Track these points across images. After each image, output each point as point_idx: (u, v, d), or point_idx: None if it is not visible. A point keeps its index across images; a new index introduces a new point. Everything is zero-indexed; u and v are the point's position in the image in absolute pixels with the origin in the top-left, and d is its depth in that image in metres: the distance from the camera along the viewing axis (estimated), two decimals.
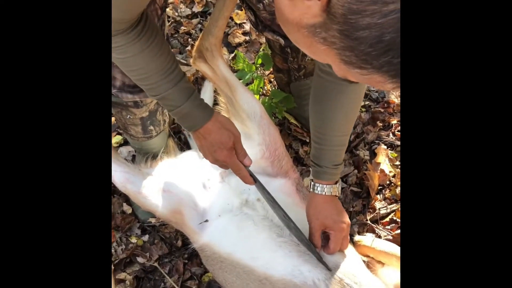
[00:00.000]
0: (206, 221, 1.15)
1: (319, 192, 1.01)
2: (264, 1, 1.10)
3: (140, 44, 0.81)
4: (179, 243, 1.34)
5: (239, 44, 1.82)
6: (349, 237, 1.06)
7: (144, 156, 1.32)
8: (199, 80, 1.65)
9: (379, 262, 1.09)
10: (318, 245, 1.01)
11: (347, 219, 1.03)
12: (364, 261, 1.08)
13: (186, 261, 1.31)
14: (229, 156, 0.97)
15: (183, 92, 0.89)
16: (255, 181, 1.02)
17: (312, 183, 1.03)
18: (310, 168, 1.07)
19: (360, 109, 1.59)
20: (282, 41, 1.19)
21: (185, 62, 1.69)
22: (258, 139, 1.20)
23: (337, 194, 1.03)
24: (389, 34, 0.46)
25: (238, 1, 1.18)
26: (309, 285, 0.94)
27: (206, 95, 1.48)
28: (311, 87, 1.01)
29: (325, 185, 1.01)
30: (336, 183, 1.02)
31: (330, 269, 0.97)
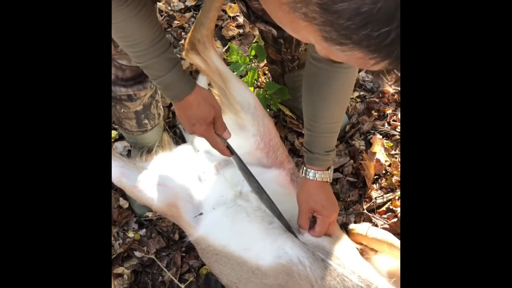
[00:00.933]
0: (201, 214, 1.16)
1: (311, 178, 1.02)
2: None
3: (127, 10, 0.82)
4: (176, 236, 1.34)
5: (233, 37, 1.82)
6: (336, 223, 1.07)
7: (139, 150, 1.32)
8: (193, 74, 1.64)
9: (372, 249, 1.09)
10: (305, 227, 1.04)
11: (336, 206, 1.05)
12: (358, 249, 1.08)
13: (184, 254, 1.32)
14: (207, 130, 1.00)
15: (167, 63, 0.91)
16: (232, 153, 1.05)
17: (304, 168, 1.05)
18: (303, 154, 1.08)
19: (355, 100, 1.59)
20: (274, 31, 1.19)
21: (178, 56, 1.68)
22: (252, 130, 1.19)
23: (328, 180, 1.04)
24: (366, 5, 0.45)
25: None
26: (295, 262, 0.96)
27: None
28: (304, 75, 1.01)
29: (316, 171, 1.02)
30: (328, 169, 1.03)
31: (298, 238, 1.02)
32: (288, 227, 1.03)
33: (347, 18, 0.47)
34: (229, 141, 1.10)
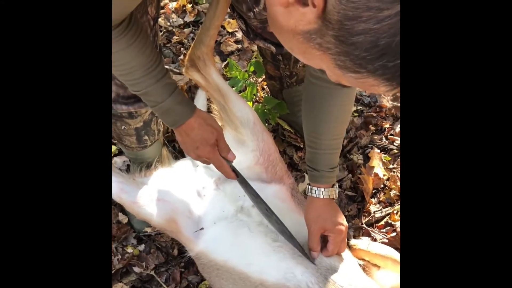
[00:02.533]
0: (202, 229, 1.16)
1: (317, 196, 1.02)
2: (254, 10, 1.11)
3: (124, 40, 0.82)
4: (175, 251, 1.34)
5: (232, 53, 1.84)
6: (346, 240, 1.07)
7: (139, 166, 1.33)
8: (192, 89, 1.65)
9: (375, 265, 1.09)
10: (317, 248, 1.02)
11: (345, 221, 1.04)
12: (360, 265, 1.08)
13: (183, 269, 1.31)
14: (212, 152, 0.99)
15: (165, 88, 0.90)
16: (238, 175, 1.05)
17: (309, 187, 1.04)
18: (307, 173, 1.08)
19: (353, 114, 1.60)
20: (273, 48, 1.21)
21: (178, 71, 1.70)
22: (252, 145, 1.20)
23: (334, 197, 1.04)
24: (384, 39, 0.47)
25: (229, 10, 1.19)
26: None
27: (199, 103, 1.49)
28: (303, 93, 1.02)
29: (322, 189, 1.02)
30: (333, 186, 1.03)
31: (314, 263, 1.00)
32: (301, 250, 1.01)
33: (364, 50, 0.48)
34: None
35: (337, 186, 1.05)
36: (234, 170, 1.04)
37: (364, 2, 0.46)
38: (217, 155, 1.00)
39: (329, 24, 0.49)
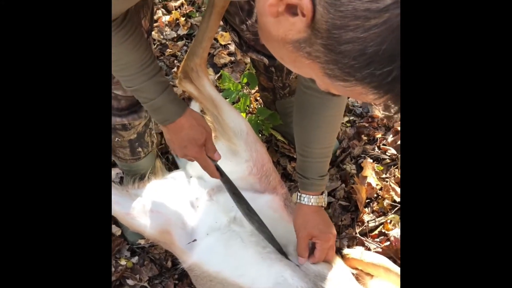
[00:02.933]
0: (195, 240, 1.15)
1: (306, 203, 1.04)
2: (247, 22, 1.13)
3: (118, 36, 0.83)
4: (169, 263, 1.33)
5: (225, 65, 1.85)
6: (335, 248, 1.08)
7: (132, 177, 1.32)
8: (185, 101, 1.66)
9: (368, 274, 1.09)
10: (304, 254, 1.04)
11: (333, 229, 1.06)
12: (353, 274, 1.08)
13: (177, 281, 1.30)
14: (199, 152, 0.99)
15: (158, 86, 0.91)
16: (222, 175, 1.05)
17: (299, 194, 1.06)
18: (298, 180, 1.09)
19: (345, 124, 1.62)
20: (266, 60, 1.22)
21: (171, 83, 1.71)
22: (245, 155, 1.21)
23: (323, 205, 1.05)
24: (371, 47, 0.47)
25: (222, 23, 1.21)
26: None
27: None
28: (295, 102, 1.04)
29: (311, 196, 1.03)
30: (322, 193, 1.05)
31: (291, 260, 1.01)
32: (281, 250, 1.03)
33: (352, 58, 0.49)
34: (222, 166, 1.11)
35: (326, 193, 1.06)
36: (219, 169, 1.04)
37: (351, 11, 0.47)
38: (204, 155, 1.00)
39: (317, 33, 0.50)
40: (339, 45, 0.49)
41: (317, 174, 1.03)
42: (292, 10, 0.52)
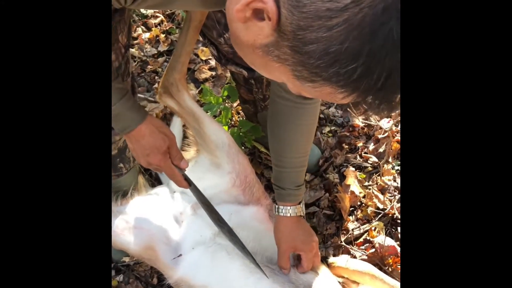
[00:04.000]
0: (180, 255, 1.14)
1: (284, 214, 1.03)
2: (225, 36, 1.14)
3: None
4: (155, 280, 1.31)
5: (206, 80, 1.87)
6: (319, 254, 1.07)
7: (115, 194, 1.31)
8: (167, 116, 1.66)
9: (354, 282, 1.10)
10: (286, 266, 1.03)
11: (315, 237, 1.06)
12: (339, 282, 1.08)
13: None
14: (164, 160, 0.96)
15: (116, 92, 0.88)
16: (190, 184, 1.02)
17: (276, 206, 1.05)
18: (274, 192, 1.09)
19: (327, 134, 1.64)
20: (245, 72, 1.23)
21: (152, 99, 1.71)
22: (228, 168, 1.21)
23: (302, 214, 1.05)
24: (334, 46, 0.49)
25: (201, 38, 1.22)
26: None
27: (175, 129, 1.50)
28: (268, 111, 1.04)
29: (289, 207, 1.03)
30: (299, 203, 1.04)
31: (267, 276, 0.99)
32: (254, 261, 1.01)
33: (317, 58, 0.51)
34: (207, 179, 1.10)
35: (304, 203, 1.06)
36: (187, 178, 1.01)
37: (314, 12, 0.48)
38: (169, 163, 0.97)
39: (284, 36, 0.52)
40: (304, 46, 0.50)
41: (293, 184, 1.03)
42: (259, 15, 0.53)
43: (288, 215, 1.03)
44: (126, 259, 1.35)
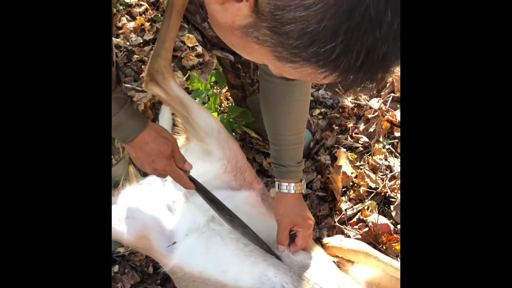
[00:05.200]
0: (174, 243, 1.14)
1: (288, 191, 1.04)
2: (208, 20, 1.13)
3: None
4: (151, 269, 1.32)
5: (193, 67, 1.85)
6: (311, 235, 1.08)
7: None
8: (156, 105, 1.65)
9: (349, 261, 1.10)
10: (285, 242, 1.04)
11: (312, 217, 1.07)
12: (334, 262, 1.09)
13: (160, 286, 1.29)
14: (169, 164, 0.96)
15: (115, 102, 0.87)
16: (196, 184, 1.03)
17: (278, 183, 1.06)
18: (273, 171, 1.10)
19: (317, 117, 1.64)
20: (231, 57, 1.22)
21: (140, 89, 1.69)
22: (218, 154, 1.21)
23: (303, 192, 1.06)
24: (312, 25, 0.48)
25: (186, 25, 1.20)
26: None
27: (164, 118, 1.49)
28: (260, 91, 1.04)
29: (292, 184, 1.04)
30: (301, 180, 1.05)
31: (281, 259, 1.01)
32: (269, 250, 1.02)
33: (296, 38, 0.50)
34: (198, 166, 1.09)
35: (304, 181, 1.07)
36: (192, 179, 1.02)
37: None
38: (174, 167, 0.98)
39: (262, 16, 0.51)
40: (282, 26, 0.50)
41: (294, 161, 1.04)
42: None
43: (292, 191, 1.04)
44: (121, 250, 1.35)
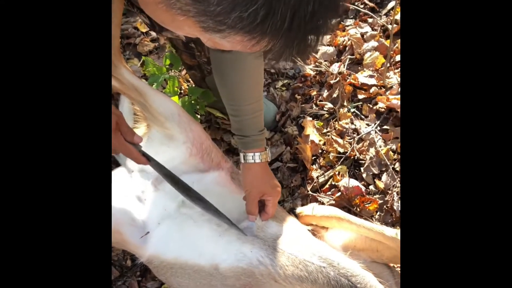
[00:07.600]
0: (148, 233, 1.13)
1: (253, 161, 1.03)
2: None
3: None
4: (129, 262, 1.30)
5: (151, 52, 1.79)
6: (277, 203, 1.08)
7: None
8: (114, 96, 1.60)
9: (323, 227, 1.11)
10: (255, 212, 1.04)
11: (278, 183, 1.07)
12: (309, 230, 1.10)
13: (140, 278, 1.28)
14: (116, 138, 0.91)
15: None
16: (149, 160, 0.98)
17: (243, 154, 1.04)
18: (237, 142, 1.08)
19: (280, 89, 1.62)
20: (182, 37, 1.18)
21: None
22: (181, 137, 1.18)
23: (268, 159, 1.05)
24: None
25: (131, 8, 1.15)
26: (255, 265, 0.95)
27: (124, 108, 1.44)
28: (212, 64, 1.02)
29: (258, 153, 1.03)
30: (265, 149, 1.04)
31: (245, 234, 1.00)
32: (230, 223, 1.02)
33: (216, 4, 0.49)
34: (163, 153, 1.07)
35: (269, 148, 1.06)
36: (145, 154, 0.96)
37: None
38: (122, 141, 0.92)
39: None
40: None
41: (256, 130, 1.02)
42: None
43: (258, 161, 1.03)
44: None
